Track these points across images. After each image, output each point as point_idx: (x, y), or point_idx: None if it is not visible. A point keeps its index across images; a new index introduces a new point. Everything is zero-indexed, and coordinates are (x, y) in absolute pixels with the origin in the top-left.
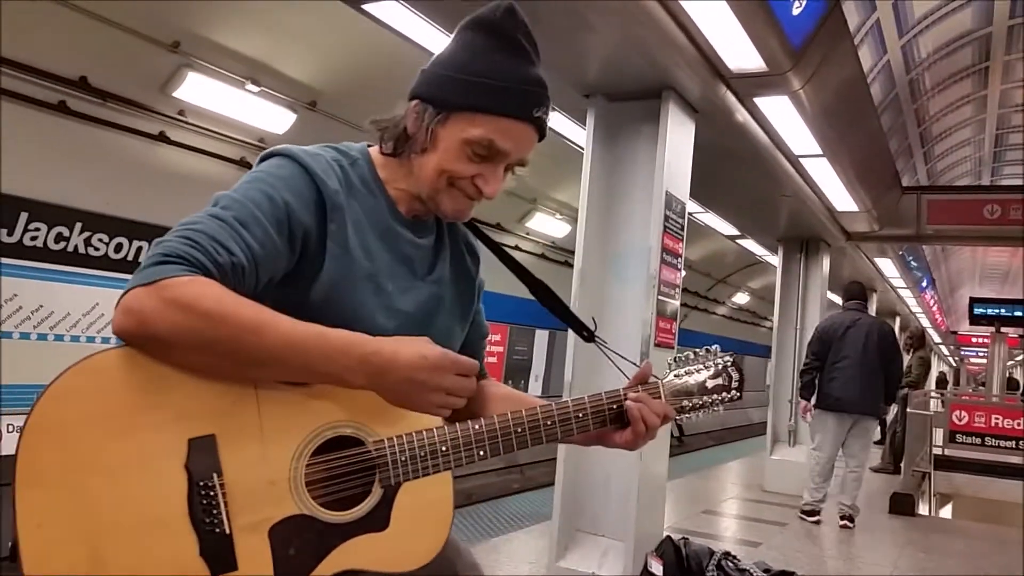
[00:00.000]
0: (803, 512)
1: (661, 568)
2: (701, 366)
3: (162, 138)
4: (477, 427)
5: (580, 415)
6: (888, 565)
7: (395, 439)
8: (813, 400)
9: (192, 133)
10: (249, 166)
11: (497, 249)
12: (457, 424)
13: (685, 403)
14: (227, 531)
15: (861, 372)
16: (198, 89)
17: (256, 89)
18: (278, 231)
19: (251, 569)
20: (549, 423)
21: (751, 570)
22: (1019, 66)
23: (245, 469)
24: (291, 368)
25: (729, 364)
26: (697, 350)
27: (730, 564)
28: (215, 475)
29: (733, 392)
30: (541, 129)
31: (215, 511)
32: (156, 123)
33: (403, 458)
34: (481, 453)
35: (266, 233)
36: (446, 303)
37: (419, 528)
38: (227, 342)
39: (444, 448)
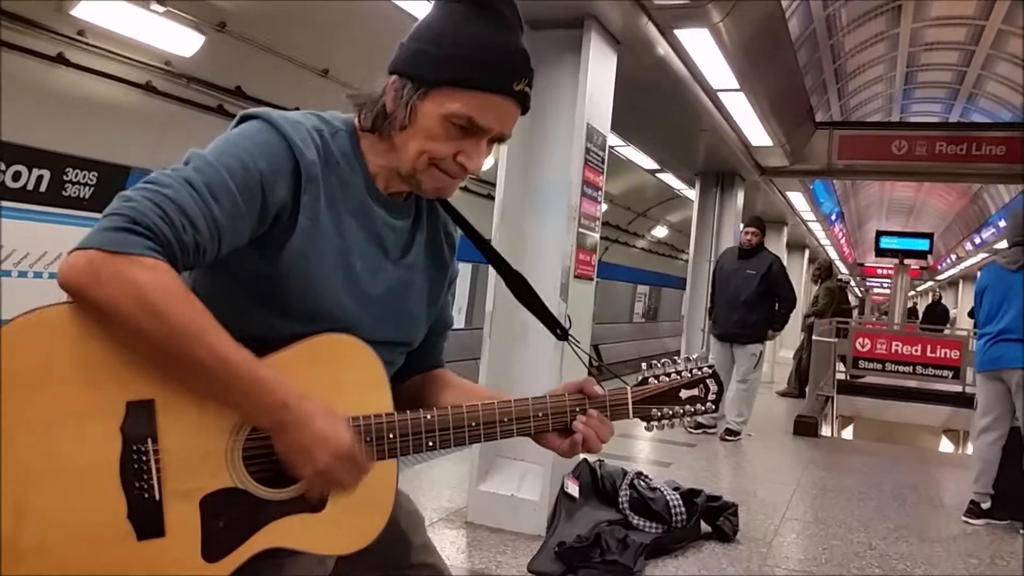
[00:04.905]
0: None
1: (577, 488)
2: (676, 374)
3: (60, 60)
4: (428, 417)
5: (539, 415)
6: (791, 482)
7: None
8: None
9: (93, 55)
10: (156, 91)
11: (478, 239)
12: (408, 412)
13: (654, 411)
14: (157, 497)
15: None
16: (98, 8)
17: (161, 9)
18: (247, 203)
19: (178, 537)
20: (505, 420)
21: (661, 488)
22: (930, 6)
23: (181, 437)
24: (209, 386)
25: (708, 375)
26: (677, 357)
27: (642, 483)
28: (149, 440)
29: (709, 404)
30: (523, 103)
31: (146, 476)
32: (53, 44)
33: None
34: (430, 443)
35: (234, 204)
36: (415, 289)
37: (355, 514)
38: (156, 339)
39: (391, 435)
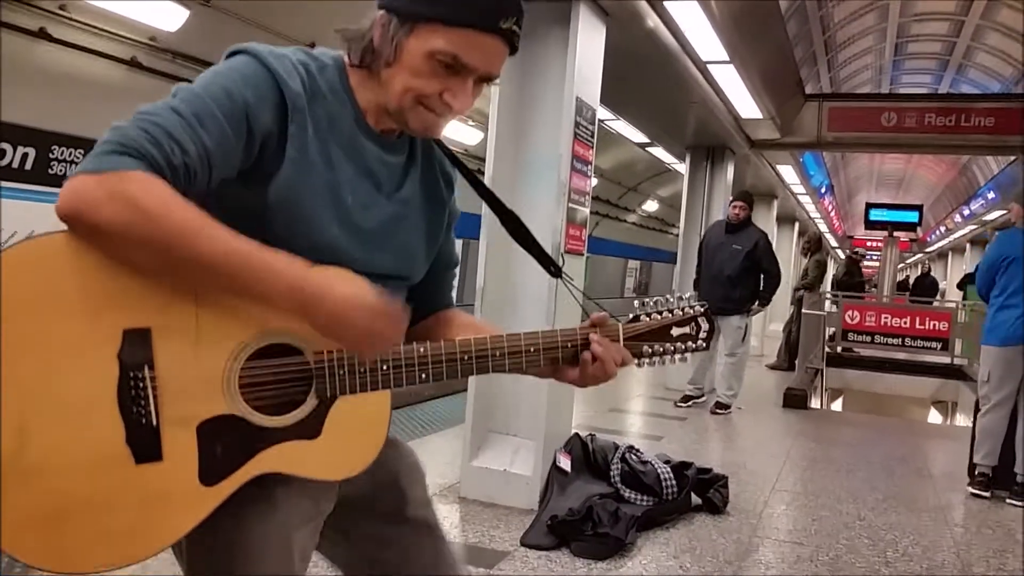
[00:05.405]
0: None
1: (569, 463)
2: (668, 312)
3: (43, 35)
4: (422, 350)
5: (531, 350)
6: (781, 454)
7: (335, 352)
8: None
9: (76, 30)
10: (141, 66)
11: (472, 177)
12: (402, 345)
13: (645, 348)
14: (154, 423)
15: None
16: None
17: None
18: (235, 130)
19: (176, 461)
20: (497, 354)
21: (652, 462)
22: None
23: (177, 365)
24: (219, 278)
25: (699, 313)
26: (669, 295)
27: (633, 457)
28: (146, 367)
29: (700, 342)
30: (511, 42)
31: (143, 402)
32: (35, 18)
33: (341, 372)
34: (423, 376)
35: (222, 132)
36: (411, 224)
37: (349, 441)
38: (161, 242)
39: (385, 367)
